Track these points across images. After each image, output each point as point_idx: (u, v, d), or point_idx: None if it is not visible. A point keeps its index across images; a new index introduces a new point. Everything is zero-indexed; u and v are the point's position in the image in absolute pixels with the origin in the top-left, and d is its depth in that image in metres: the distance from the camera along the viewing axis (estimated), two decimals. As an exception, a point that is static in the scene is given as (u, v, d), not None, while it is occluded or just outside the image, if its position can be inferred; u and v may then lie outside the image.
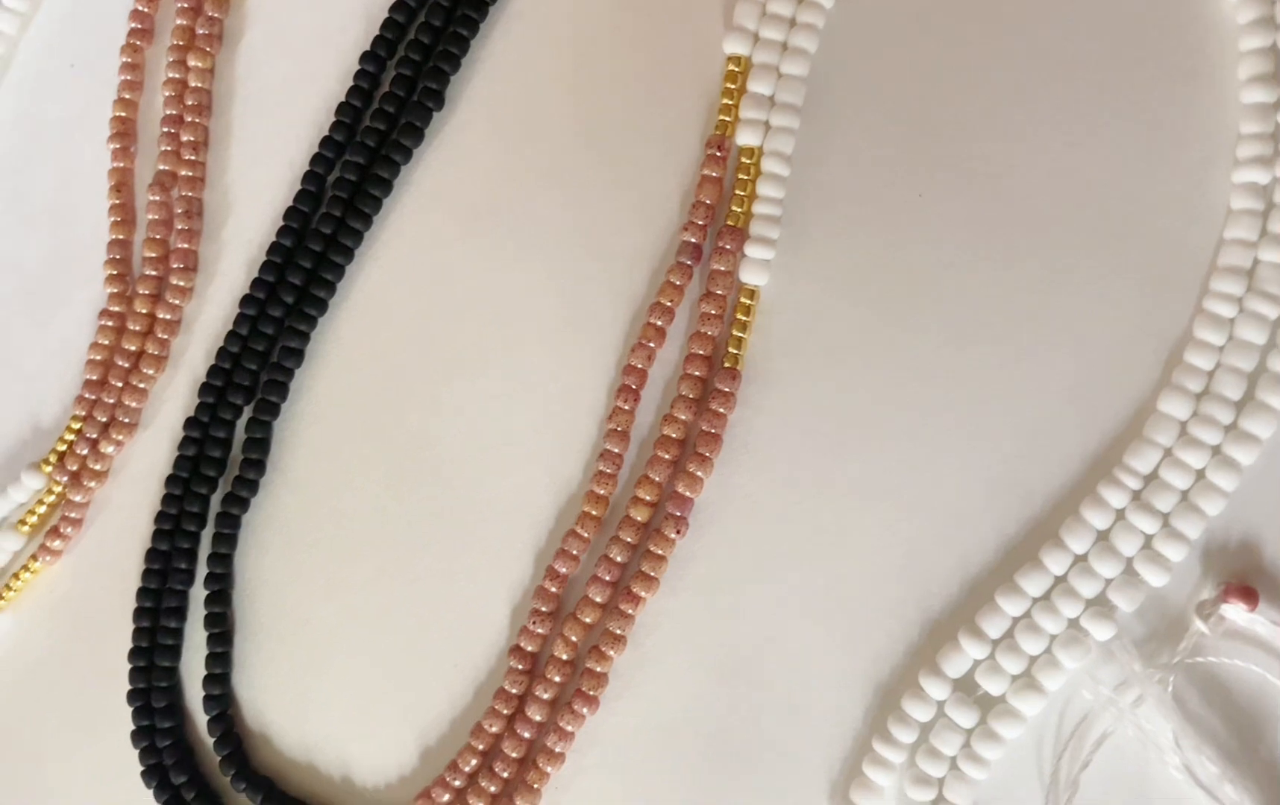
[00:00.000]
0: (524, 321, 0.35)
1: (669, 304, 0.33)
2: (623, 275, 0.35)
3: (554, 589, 0.34)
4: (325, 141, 0.37)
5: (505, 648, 0.35)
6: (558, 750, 0.33)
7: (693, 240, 0.33)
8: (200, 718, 0.37)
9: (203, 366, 0.39)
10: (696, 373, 0.33)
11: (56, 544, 0.39)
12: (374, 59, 0.37)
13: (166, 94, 0.40)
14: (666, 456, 0.33)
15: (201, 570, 0.38)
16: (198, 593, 0.38)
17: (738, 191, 0.34)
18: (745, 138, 0.33)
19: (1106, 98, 0.33)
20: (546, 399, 0.35)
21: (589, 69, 0.36)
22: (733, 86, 0.34)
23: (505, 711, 0.34)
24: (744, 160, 0.34)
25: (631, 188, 0.35)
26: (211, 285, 0.39)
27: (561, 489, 0.35)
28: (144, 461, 0.39)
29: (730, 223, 0.33)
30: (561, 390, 0.35)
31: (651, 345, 0.33)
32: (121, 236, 0.40)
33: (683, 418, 0.33)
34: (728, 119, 0.34)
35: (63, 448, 0.39)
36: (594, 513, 0.34)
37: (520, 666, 0.34)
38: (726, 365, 0.33)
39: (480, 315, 0.36)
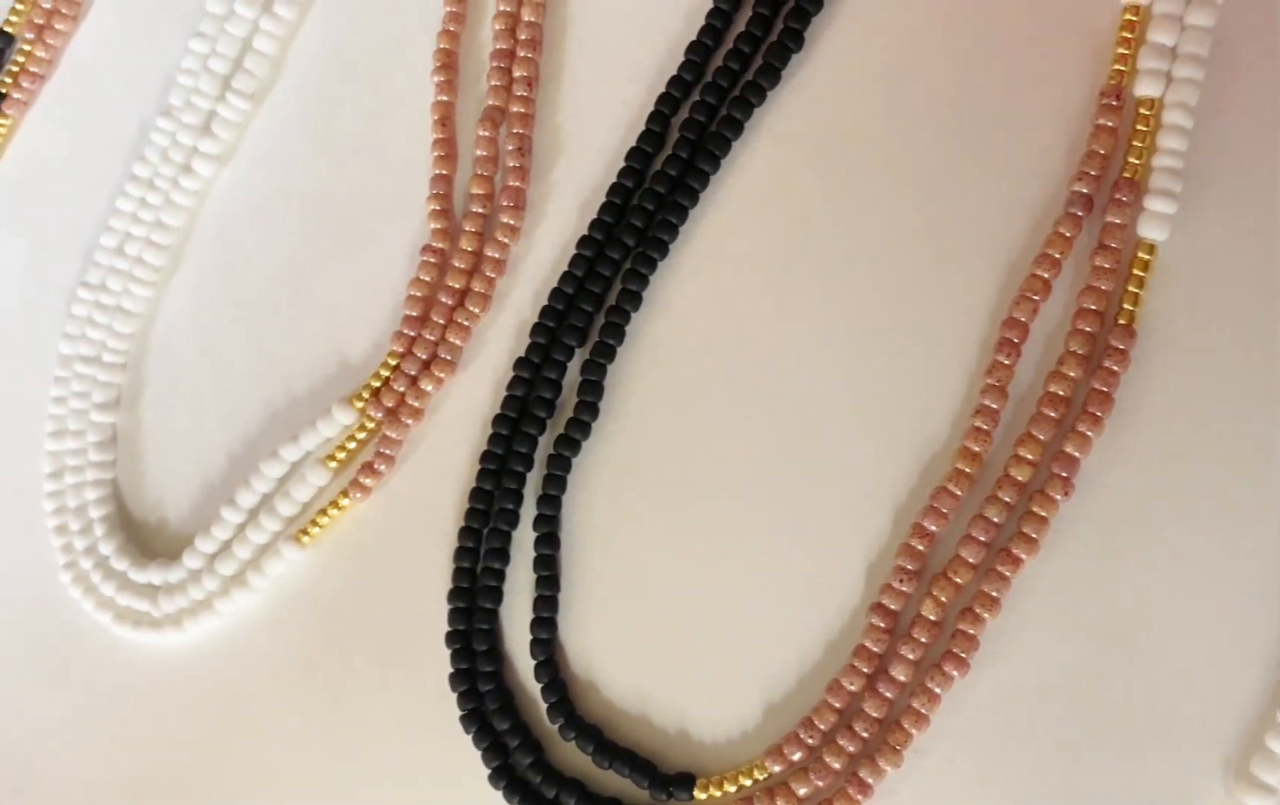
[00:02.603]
0: (884, 267, 0.36)
1: (1058, 256, 0.34)
2: (999, 225, 0.35)
3: (920, 547, 0.34)
4: (674, 81, 0.38)
5: (860, 605, 0.35)
6: (923, 712, 0.33)
7: (1084, 191, 0.34)
8: (520, 663, 0.38)
9: (530, 308, 0.39)
10: (1087, 328, 0.33)
11: (368, 481, 0.39)
12: (729, -2, 0.38)
13: (497, 27, 0.40)
14: (1052, 414, 0.33)
15: (526, 513, 0.38)
16: (518, 536, 0.38)
17: (1134, 143, 0.34)
18: (1144, 88, 0.34)
19: None
20: (908, 349, 0.35)
21: (964, 14, 0.36)
22: (1129, 36, 0.34)
23: (865, 670, 0.34)
24: (1142, 111, 0.34)
25: (1010, 136, 0.35)
26: (540, 226, 0.40)
27: (925, 445, 0.35)
28: (462, 401, 0.40)
29: (1127, 175, 0.33)
30: (926, 341, 0.35)
31: (1036, 298, 0.34)
32: (444, 172, 0.40)
33: (1072, 375, 0.33)
34: (1123, 69, 0.34)
35: (377, 384, 0.40)
36: (967, 470, 0.34)
37: (881, 625, 0.34)
38: (1121, 322, 0.33)
39: (836, 258, 0.36)
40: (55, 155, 0.47)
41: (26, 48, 0.48)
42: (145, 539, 0.43)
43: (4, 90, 0.48)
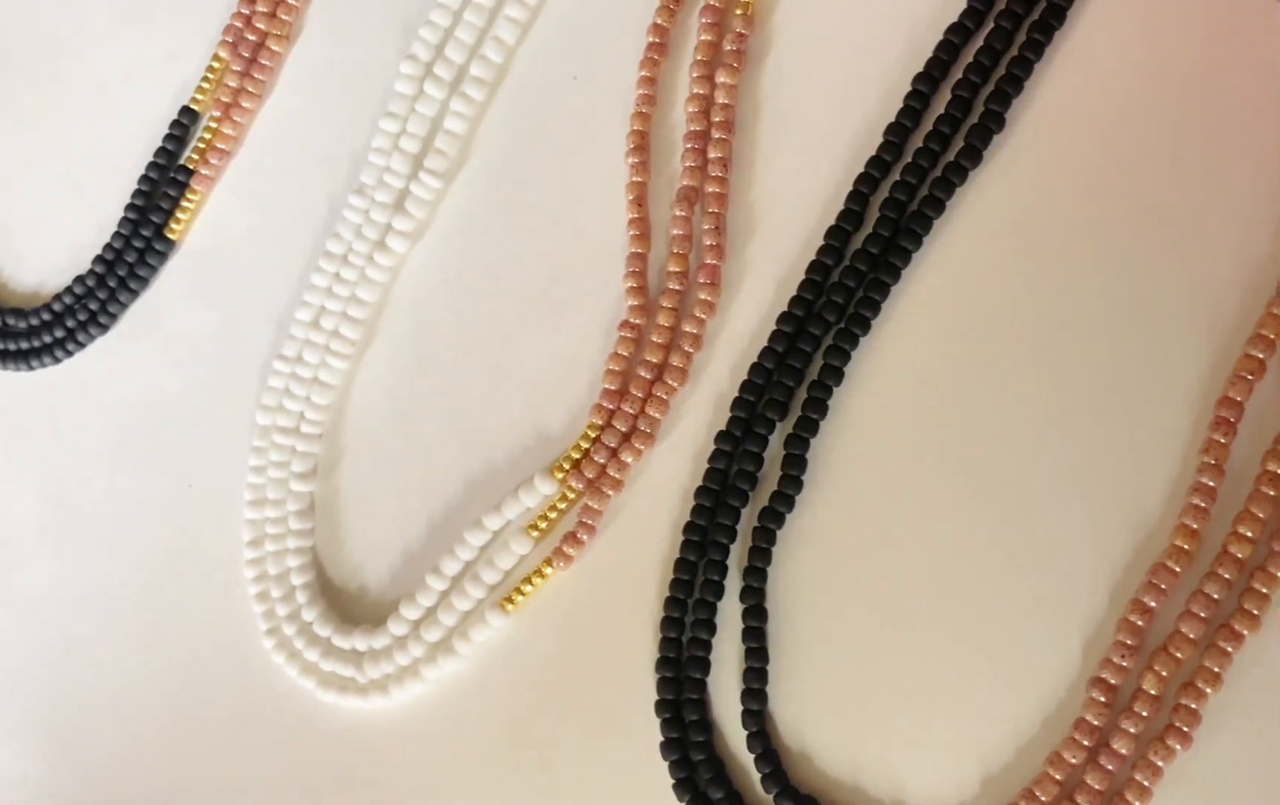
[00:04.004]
0: (1091, 343, 0.37)
1: (1271, 336, 0.34)
2: (1207, 303, 0.36)
3: (1140, 623, 0.35)
4: (873, 161, 0.39)
5: (1077, 679, 0.36)
6: (1146, 785, 0.34)
7: (1298, 272, 0.34)
8: (729, 732, 0.39)
9: (727, 382, 0.40)
10: (1304, 408, 0.34)
11: (570, 550, 0.41)
12: (928, 79, 0.39)
13: (690, 110, 0.42)
14: (1270, 492, 0.34)
15: (730, 584, 0.39)
16: (722, 606, 0.39)
17: (1348, 225, 0.34)
18: (1357, 171, 0.34)
19: None
20: (1119, 427, 0.36)
21: (1167, 93, 0.37)
22: (1338, 120, 0.35)
23: (1086, 743, 0.35)
24: (1356, 193, 0.34)
25: (1215, 213, 0.36)
26: (735, 302, 0.41)
27: (1140, 522, 0.36)
28: (660, 473, 0.41)
29: (1341, 256, 0.34)
30: (1137, 419, 0.36)
31: (1250, 378, 0.34)
32: (640, 250, 0.42)
33: (1290, 453, 0.34)
34: (1332, 151, 0.35)
35: (578, 455, 0.41)
36: (1186, 547, 0.35)
37: (1102, 699, 0.35)
38: (1338, 402, 0.34)
39: (1042, 335, 0.37)
40: (243, 230, 0.49)
41: (214, 125, 0.50)
42: (345, 605, 0.45)
43: (192, 167, 0.50)
